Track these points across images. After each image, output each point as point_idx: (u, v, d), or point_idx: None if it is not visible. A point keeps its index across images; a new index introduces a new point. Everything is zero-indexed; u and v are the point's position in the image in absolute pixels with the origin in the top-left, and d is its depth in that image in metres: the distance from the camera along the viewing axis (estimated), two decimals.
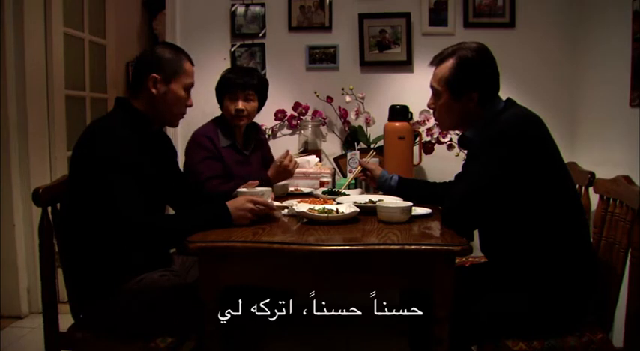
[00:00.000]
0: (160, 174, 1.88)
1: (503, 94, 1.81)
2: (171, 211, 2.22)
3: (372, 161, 2.39)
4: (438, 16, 3.06)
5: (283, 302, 2.67)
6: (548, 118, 1.76)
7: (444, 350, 1.50)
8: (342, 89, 3.00)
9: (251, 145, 2.58)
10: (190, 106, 1.91)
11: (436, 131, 2.91)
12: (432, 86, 1.82)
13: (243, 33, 3.15)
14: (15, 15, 2.83)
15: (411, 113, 2.85)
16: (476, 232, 1.92)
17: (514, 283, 1.66)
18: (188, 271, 2.02)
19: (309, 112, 3.09)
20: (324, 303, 2.11)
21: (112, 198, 1.60)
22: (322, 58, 3.13)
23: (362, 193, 2.38)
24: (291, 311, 2.89)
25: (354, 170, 2.49)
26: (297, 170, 2.47)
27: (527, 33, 3.02)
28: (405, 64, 3.09)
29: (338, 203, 1.95)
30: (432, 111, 1.88)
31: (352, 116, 2.98)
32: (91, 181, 1.64)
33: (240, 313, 1.86)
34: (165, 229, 1.66)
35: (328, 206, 1.88)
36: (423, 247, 1.48)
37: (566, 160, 1.76)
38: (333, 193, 2.23)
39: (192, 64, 1.91)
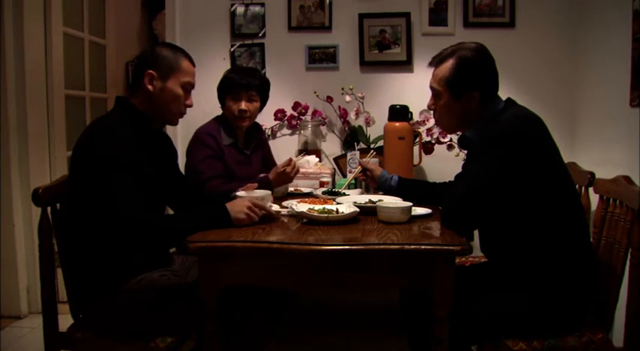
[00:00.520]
0: (159, 174, 1.87)
1: (503, 94, 1.80)
2: (171, 212, 2.22)
3: (371, 161, 2.39)
4: (437, 16, 3.06)
5: (283, 302, 2.68)
6: (548, 118, 1.75)
7: (444, 350, 1.50)
8: (342, 89, 3.00)
9: (252, 144, 2.59)
10: (190, 106, 1.89)
11: (436, 131, 2.90)
12: (431, 87, 1.82)
13: (242, 33, 3.15)
14: (15, 15, 2.82)
15: (411, 113, 2.85)
16: (476, 232, 1.92)
17: (514, 283, 1.66)
18: (188, 271, 2.02)
19: (309, 112, 3.09)
20: (324, 303, 2.11)
21: (111, 197, 1.60)
22: (322, 58, 3.13)
23: (362, 193, 2.37)
24: (291, 311, 2.90)
25: (353, 170, 2.49)
26: None
27: (527, 33, 3.02)
28: (405, 64, 3.09)
29: (338, 203, 1.95)
30: (432, 112, 1.88)
31: (352, 116, 2.98)
32: (91, 180, 1.64)
33: (240, 313, 1.87)
34: (164, 228, 1.66)
35: (328, 206, 1.88)
36: (423, 247, 1.48)
37: (566, 160, 1.76)
38: (332, 193, 2.23)
39: (193, 65, 1.89)
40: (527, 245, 1.65)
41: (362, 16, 3.07)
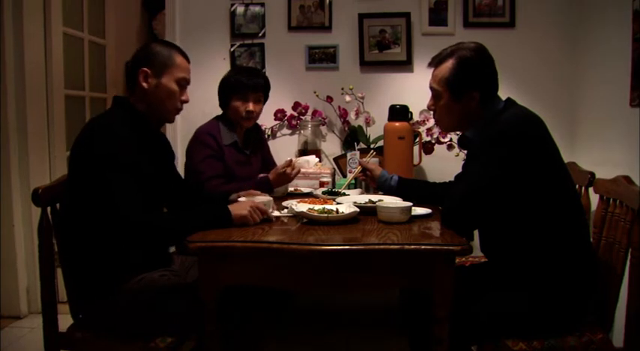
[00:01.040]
0: (158, 174, 1.87)
1: (503, 94, 1.80)
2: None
3: (371, 161, 2.39)
4: (437, 16, 3.06)
5: (283, 302, 2.68)
6: (548, 118, 1.75)
7: (444, 350, 1.50)
8: (342, 89, 3.00)
9: (252, 144, 2.59)
10: (186, 101, 1.88)
11: (436, 131, 2.90)
12: (431, 87, 1.82)
13: (242, 33, 3.15)
14: (14, 15, 2.82)
15: (411, 113, 2.85)
16: (476, 232, 1.92)
17: (514, 283, 1.66)
18: (188, 271, 2.02)
19: (309, 112, 3.09)
20: (324, 303, 2.11)
21: (110, 196, 1.60)
22: (322, 58, 3.13)
23: (362, 193, 2.37)
24: (291, 311, 2.90)
25: (353, 170, 2.49)
26: None
27: (527, 33, 3.02)
28: (405, 64, 3.09)
29: (338, 203, 1.95)
30: (431, 112, 1.88)
31: (352, 116, 2.97)
32: (90, 179, 1.63)
33: (240, 313, 1.87)
34: (163, 228, 1.66)
35: (328, 206, 1.88)
36: (423, 247, 1.48)
37: (566, 160, 1.76)
38: (332, 193, 2.22)
39: (188, 61, 1.88)
40: (527, 245, 1.65)
41: (362, 16, 3.07)
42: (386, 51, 3.09)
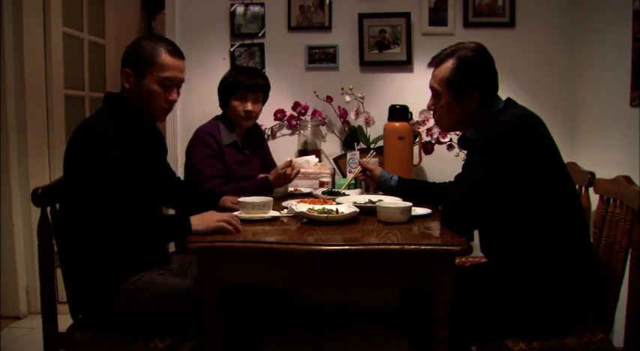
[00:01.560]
0: (151, 171, 1.84)
1: (502, 94, 1.80)
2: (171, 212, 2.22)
3: (371, 161, 2.39)
4: (437, 16, 3.05)
5: (283, 302, 2.68)
6: (548, 117, 1.75)
7: (444, 350, 1.50)
8: (342, 89, 2.99)
9: (251, 144, 2.59)
10: (173, 101, 1.80)
11: (436, 131, 2.90)
12: (431, 87, 1.81)
13: (242, 33, 3.14)
14: (14, 15, 2.82)
15: (411, 113, 2.85)
16: (476, 233, 1.92)
17: (514, 284, 1.66)
18: (187, 270, 2.02)
19: (309, 112, 3.09)
20: (324, 303, 2.11)
21: (78, 196, 1.59)
22: (322, 58, 3.13)
23: (362, 193, 2.37)
24: (291, 311, 2.90)
25: (353, 170, 2.48)
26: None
27: (527, 33, 3.01)
28: (405, 64, 3.09)
29: (338, 203, 1.95)
30: (431, 112, 1.88)
31: (352, 116, 2.97)
32: (72, 179, 1.64)
33: (240, 313, 1.86)
34: (126, 235, 1.62)
35: (328, 206, 1.88)
36: (423, 247, 1.48)
37: (566, 160, 1.76)
38: (332, 193, 2.22)
39: (179, 57, 1.80)
40: (527, 245, 1.64)
41: (362, 16, 3.07)
42: (386, 51, 3.08)
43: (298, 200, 2.01)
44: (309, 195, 2.38)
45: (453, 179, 2.01)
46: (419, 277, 1.53)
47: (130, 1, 4.33)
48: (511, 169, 1.58)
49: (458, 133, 1.92)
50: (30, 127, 2.92)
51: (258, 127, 2.70)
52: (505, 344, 1.58)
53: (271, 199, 1.91)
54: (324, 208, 1.84)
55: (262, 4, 3.12)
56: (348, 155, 2.70)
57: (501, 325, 1.62)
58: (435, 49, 1.87)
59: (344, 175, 2.85)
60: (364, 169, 2.28)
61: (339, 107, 3.05)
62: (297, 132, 3.10)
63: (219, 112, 2.57)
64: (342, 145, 3.12)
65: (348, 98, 2.98)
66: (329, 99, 3.05)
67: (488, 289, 1.70)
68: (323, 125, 3.11)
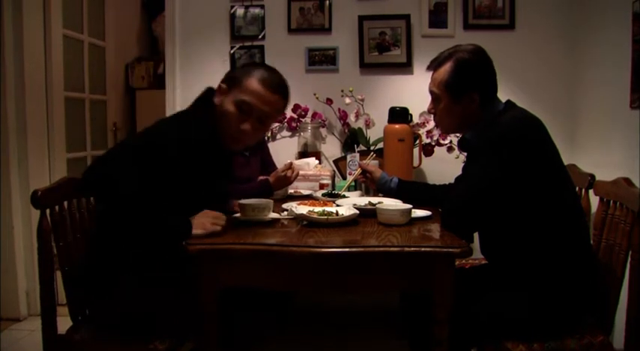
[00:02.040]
0: (195, 192, 1.73)
1: (502, 96, 1.80)
2: None
3: (371, 163, 2.39)
4: (437, 18, 3.05)
5: (283, 304, 2.68)
6: (548, 120, 1.75)
7: None
8: (342, 91, 3.00)
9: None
10: (245, 131, 1.68)
11: (436, 133, 2.90)
12: (431, 91, 1.82)
13: (242, 35, 3.15)
14: (14, 16, 2.82)
15: (411, 115, 2.85)
16: (476, 234, 1.92)
17: (514, 285, 1.65)
18: (184, 270, 2.00)
19: (309, 114, 3.09)
20: (324, 305, 2.11)
21: (111, 160, 1.59)
22: (322, 60, 3.13)
23: (361, 195, 2.37)
24: (291, 313, 2.89)
25: (353, 172, 2.48)
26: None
27: (527, 35, 3.01)
28: (405, 66, 3.09)
29: (338, 205, 1.95)
30: (431, 114, 1.88)
31: (352, 118, 2.97)
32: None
33: (240, 313, 1.86)
34: (135, 211, 1.59)
35: (328, 208, 1.88)
36: (423, 249, 1.48)
37: (566, 162, 1.76)
38: (332, 195, 2.22)
39: (271, 90, 1.70)
40: (527, 247, 1.64)
41: (362, 18, 3.07)
42: (386, 53, 3.09)
43: (298, 202, 2.01)
44: (309, 197, 2.38)
45: (453, 181, 2.01)
46: (419, 279, 1.53)
47: (130, 3, 4.34)
48: (511, 171, 1.58)
49: (458, 135, 1.92)
50: (30, 128, 2.92)
51: None
52: (505, 346, 1.58)
53: (271, 201, 1.91)
54: (324, 210, 1.84)
55: (262, 6, 3.12)
56: (348, 157, 2.69)
57: (501, 327, 1.61)
58: (434, 51, 1.87)
59: (344, 177, 2.85)
60: (364, 171, 2.28)
61: (339, 109, 3.05)
62: (297, 134, 3.10)
63: None
64: (342, 147, 3.12)
65: (348, 100, 2.98)
66: (329, 101, 3.05)
67: (489, 290, 1.70)
68: (323, 127, 3.11)
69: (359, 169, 2.30)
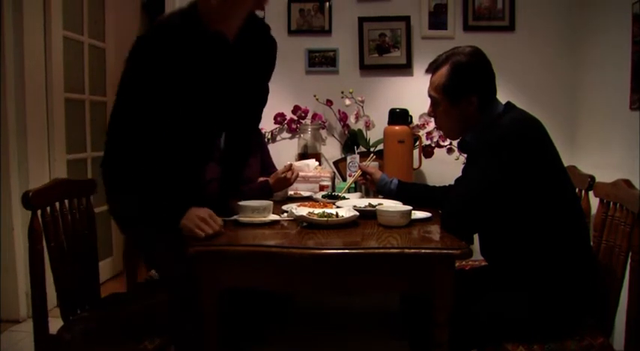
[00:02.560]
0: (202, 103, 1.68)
1: (502, 98, 1.80)
2: None
3: (371, 165, 2.39)
4: (437, 20, 3.06)
5: (283, 305, 2.68)
6: (548, 121, 1.75)
7: None
8: (342, 93, 3.00)
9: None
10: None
11: (436, 135, 2.90)
12: (430, 95, 1.82)
13: None
14: (14, 18, 2.83)
15: (411, 117, 2.85)
16: (476, 236, 1.92)
17: (514, 287, 1.65)
18: (173, 267, 1.97)
19: (309, 116, 3.09)
20: (323, 306, 2.11)
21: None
22: (322, 62, 3.13)
23: (361, 197, 2.37)
24: (290, 314, 2.89)
25: (353, 174, 2.48)
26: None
27: (527, 36, 3.02)
28: (405, 68, 3.09)
29: (337, 207, 1.95)
30: (432, 119, 1.88)
31: (352, 120, 2.97)
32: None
33: (240, 314, 1.86)
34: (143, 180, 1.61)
35: (328, 210, 1.88)
36: (423, 250, 1.48)
37: (566, 163, 1.75)
38: (332, 197, 2.22)
39: None
40: (527, 249, 1.64)
41: (362, 20, 3.07)
42: (386, 55, 3.09)
43: (298, 204, 2.01)
44: (309, 199, 2.38)
45: (452, 183, 2.00)
46: (419, 281, 1.53)
47: (130, 4, 4.33)
48: (511, 172, 1.58)
49: None
50: (30, 130, 2.92)
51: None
52: (505, 347, 1.57)
53: (271, 202, 1.91)
54: (324, 212, 1.83)
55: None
56: (348, 159, 2.69)
57: (502, 329, 1.61)
58: (434, 52, 1.87)
59: (344, 179, 2.84)
60: (364, 173, 2.28)
61: (339, 111, 3.05)
62: (297, 135, 3.10)
63: None
64: (342, 148, 3.12)
65: (348, 102, 2.98)
66: (329, 102, 3.05)
67: (489, 292, 1.70)
68: (323, 129, 3.11)
69: (359, 171, 2.30)
